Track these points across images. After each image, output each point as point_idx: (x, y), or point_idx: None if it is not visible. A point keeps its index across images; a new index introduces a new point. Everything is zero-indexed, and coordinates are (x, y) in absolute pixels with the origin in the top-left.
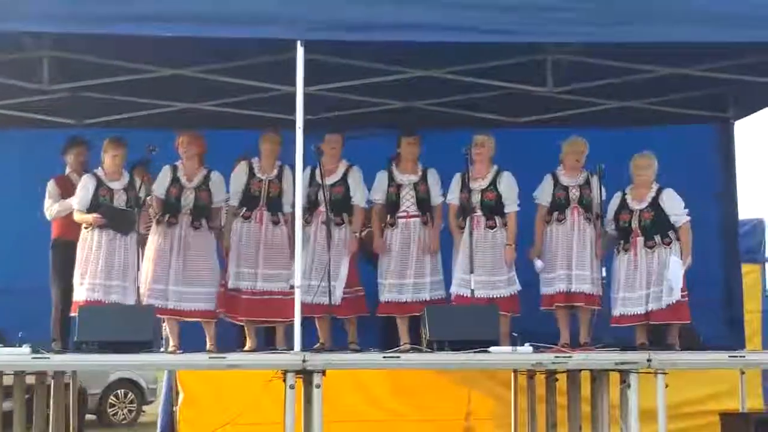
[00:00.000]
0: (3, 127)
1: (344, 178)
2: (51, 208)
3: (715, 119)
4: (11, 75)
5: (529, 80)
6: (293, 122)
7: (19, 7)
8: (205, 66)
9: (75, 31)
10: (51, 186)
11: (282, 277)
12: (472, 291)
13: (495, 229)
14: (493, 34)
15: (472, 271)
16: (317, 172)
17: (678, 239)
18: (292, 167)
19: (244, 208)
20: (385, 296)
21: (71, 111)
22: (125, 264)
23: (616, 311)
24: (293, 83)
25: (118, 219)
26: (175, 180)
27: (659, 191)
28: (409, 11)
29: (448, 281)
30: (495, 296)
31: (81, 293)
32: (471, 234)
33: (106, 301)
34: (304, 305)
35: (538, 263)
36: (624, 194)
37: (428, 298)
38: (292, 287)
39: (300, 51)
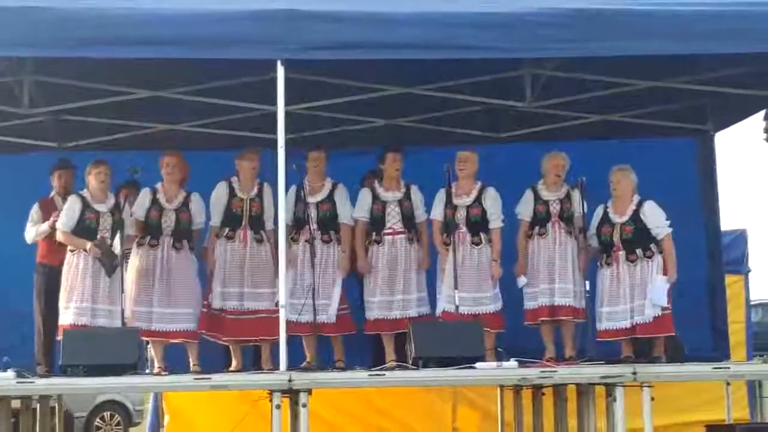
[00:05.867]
0: None
1: (330, 195)
2: (28, 232)
3: (695, 132)
4: None
5: (508, 95)
6: (274, 141)
7: None
8: (185, 87)
9: (54, 54)
10: (34, 209)
11: (267, 296)
12: (457, 307)
13: (480, 246)
14: (471, 50)
15: (457, 288)
16: (302, 191)
17: (660, 252)
18: (272, 185)
19: (227, 228)
20: (373, 314)
21: (52, 134)
22: (111, 287)
23: (602, 326)
24: (274, 103)
25: (107, 258)
26: (154, 202)
27: (640, 204)
28: (388, 30)
29: (431, 297)
30: (480, 312)
31: (67, 317)
32: (456, 250)
33: (93, 325)
34: (290, 324)
35: (522, 279)
36: (606, 208)
37: (414, 314)
38: (278, 305)
39: (280, 71)
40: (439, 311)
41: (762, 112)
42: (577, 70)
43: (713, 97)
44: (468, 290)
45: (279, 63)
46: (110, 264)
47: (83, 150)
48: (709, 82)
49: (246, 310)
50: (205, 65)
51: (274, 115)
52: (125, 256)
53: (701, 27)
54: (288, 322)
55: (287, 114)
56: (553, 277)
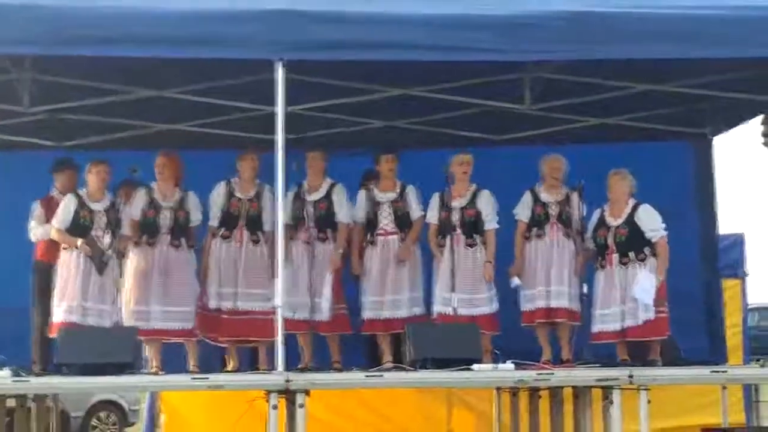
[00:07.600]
0: None
1: (328, 194)
2: (35, 230)
3: (693, 135)
4: None
5: (507, 98)
6: (273, 142)
7: None
8: (185, 87)
9: (52, 53)
10: (36, 207)
11: (260, 297)
12: (455, 309)
13: (474, 247)
14: (470, 52)
15: (453, 290)
16: (301, 190)
17: (654, 255)
18: (272, 186)
19: (223, 228)
20: (367, 314)
21: (51, 133)
22: (102, 286)
23: (596, 328)
24: (272, 103)
25: (97, 256)
26: (151, 201)
27: (635, 207)
28: (388, 31)
29: (427, 298)
30: (476, 314)
31: (58, 315)
32: (452, 252)
33: (83, 324)
34: (287, 321)
35: (515, 280)
36: (603, 211)
37: (406, 315)
38: (274, 307)
39: (280, 71)
40: (435, 313)
41: (760, 117)
42: (576, 73)
43: (712, 101)
44: (464, 292)
45: (280, 64)
46: (99, 261)
47: (82, 149)
48: (708, 87)
49: (241, 310)
50: (204, 65)
51: (273, 115)
52: (121, 254)
53: (700, 31)
54: (285, 320)
55: (286, 114)
56: (549, 280)
